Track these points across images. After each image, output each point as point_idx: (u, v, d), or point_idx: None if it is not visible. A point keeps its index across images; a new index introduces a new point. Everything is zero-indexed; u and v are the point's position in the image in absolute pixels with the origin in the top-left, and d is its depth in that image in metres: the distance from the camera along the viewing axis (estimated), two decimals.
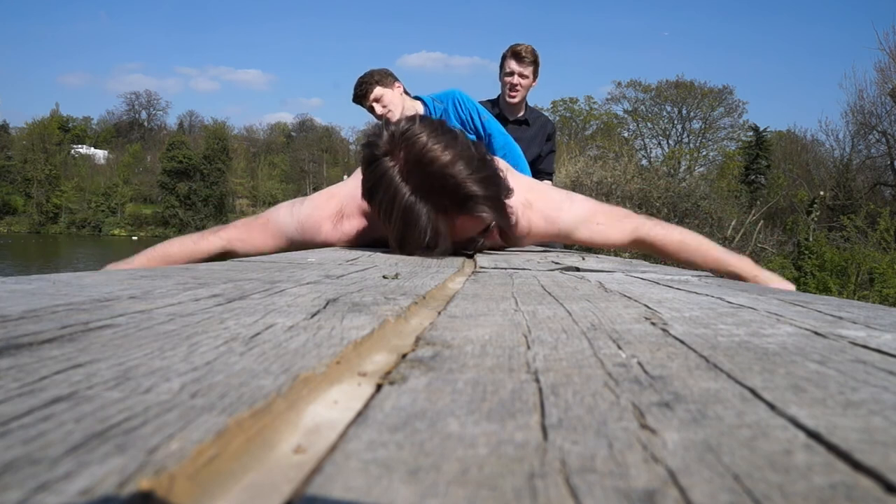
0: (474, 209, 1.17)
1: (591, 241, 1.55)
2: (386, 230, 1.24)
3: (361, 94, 2.85)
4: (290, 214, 1.49)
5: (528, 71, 2.90)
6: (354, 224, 1.44)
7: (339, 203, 1.46)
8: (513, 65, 2.90)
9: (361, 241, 1.49)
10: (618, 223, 1.48)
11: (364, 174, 1.25)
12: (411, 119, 1.22)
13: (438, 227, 1.18)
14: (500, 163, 1.48)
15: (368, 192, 1.24)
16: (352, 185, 1.50)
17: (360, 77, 2.89)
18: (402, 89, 2.90)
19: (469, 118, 2.41)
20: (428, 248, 1.20)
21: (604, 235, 1.49)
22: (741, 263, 1.34)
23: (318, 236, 1.46)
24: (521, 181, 1.49)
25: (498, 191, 1.21)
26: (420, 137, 1.16)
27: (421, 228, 1.17)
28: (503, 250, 1.67)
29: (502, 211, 1.24)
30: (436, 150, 1.15)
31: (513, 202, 1.34)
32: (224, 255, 1.50)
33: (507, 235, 1.44)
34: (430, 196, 1.16)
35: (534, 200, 1.44)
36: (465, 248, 1.32)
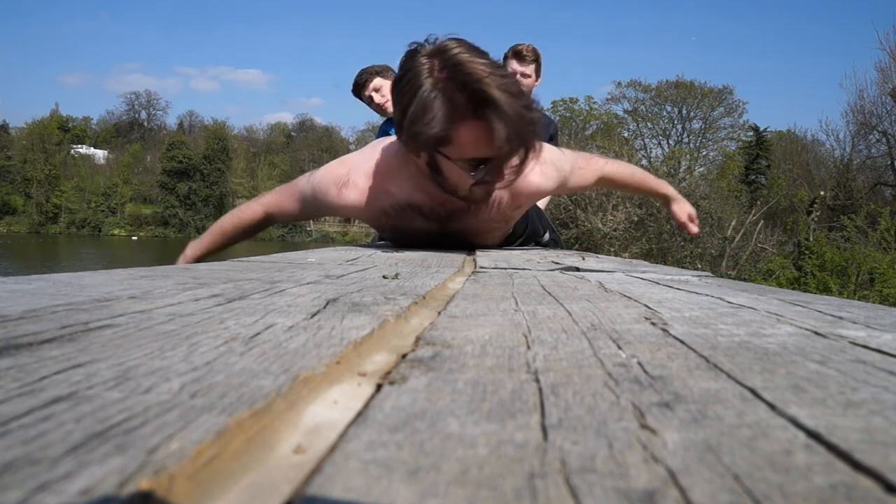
0: (489, 116, 1.13)
1: (576, 186, 1.68)
2: (399, 120, 1.23)
3: (361, 84, 2.85)
4: (307, 178, 1.53)
5: (530, 70, 2.90)
6: (357, 193, 1.45)
7: (347, 169, 1.47)
8: (514, 65, 2.90)
9: (366, 214, 1.49)
10: (590, 166, 1.67)
11: (396, 77, 1.26)
12: (453, 38, 1.21)
13: (451, 124, 1.16)
14: None
15: (396, 80, 1.24)
16: (363, 154, 1.52)
17: (361, 69, 2.89)
18: None
19: None
20: (438, 142, 1.18)
21: (584, 178, 1.65)
22: (666, 188, 1.93)
23: (326, 200, 1.48)
24: None
25: (525, 119, 1.17)
26: (456, 48, 1.17)
27: (436, 116, 1.15)
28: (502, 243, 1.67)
29: (518, 145, 1.19)
30: (475, 60, 1.15)
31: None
32: (267, 222, 1.59)
33: (515, 185, 1.40)
34: (451, 90, 1.15)
35: (545, 156, 1.45)
36: (474, 180, 1.27)
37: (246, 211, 1.60)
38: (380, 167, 1.43)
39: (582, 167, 1.62)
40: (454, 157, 1.23)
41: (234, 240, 1.61)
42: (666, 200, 1.95)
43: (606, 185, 1.81)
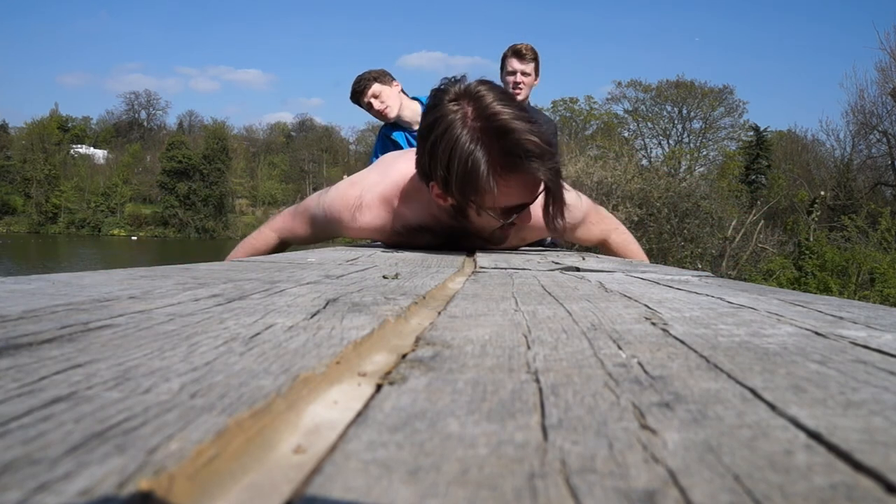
0: (530, 169, 1.15)
1: (579, 238, 1.66)
2: (437, 177, 1.22)
3: (359, 91, 2.85)
4: (317, 202, 1.53)
5: (529, 68, 2.90)
6: (373, 215, 1.45)
7: (359, 192, 1.47)
8: (514, 63, 2.90)
9: (378, 234, 1.49)
10: (599, 225, 1.63)
11: (425, 118, 1.25)
12: (481, 81, 1.22)
13: (490, 180, 1.16)
14: None
15: (425, 132, 1.23)
16: (375, 174, 1.51)
17: (359, 76, 2.89)
18: (399, 88, 2.90)
19: None
20: (483, 198, 1.19)
21: (590, 234, 1.63)
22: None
23: (340, 225, 1.48)
24: None
25: (557, 165, 1.20)
26: (488, 96, 1.17)
27: (482, 174, 1.16)
28: (518, 248, 1.67)
29: (558, 176, 1.21)
30: (507, 111, 1.16)
31: (541, 199, 1.36)
32: (283, 247, 1.60)
33: (546, 219, 1.41)
34: (491, 144, 1.15)
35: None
36: (506, 228, 1.29)
37: (259, 238, 1.60)
38: (393, 191, 1.43)
39: (593, 223, 1.60)
40: (488, 207, 1.24)
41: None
42: None
43: (604, 248, 1.73)
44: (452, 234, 1.44)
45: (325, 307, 0.46)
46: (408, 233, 1.46)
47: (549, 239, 2.07)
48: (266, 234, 1.60)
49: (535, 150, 1.15)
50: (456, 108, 1.18)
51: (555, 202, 1.24)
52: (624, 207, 8.81)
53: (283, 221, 1.60)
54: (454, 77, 1.25)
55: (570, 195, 1.50)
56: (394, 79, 2.90)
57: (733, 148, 28.86)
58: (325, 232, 1.54)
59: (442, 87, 1.23)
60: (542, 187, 1.22)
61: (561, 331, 0.38)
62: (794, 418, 0.21)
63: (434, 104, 1.22)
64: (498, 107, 1.16)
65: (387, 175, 1.47)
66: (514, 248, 1.78)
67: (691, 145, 29.74)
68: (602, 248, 1.72)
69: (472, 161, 1.16)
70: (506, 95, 1.21)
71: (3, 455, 0.17)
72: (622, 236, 1.70)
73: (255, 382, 0.25)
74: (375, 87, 2.81)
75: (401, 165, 1.47)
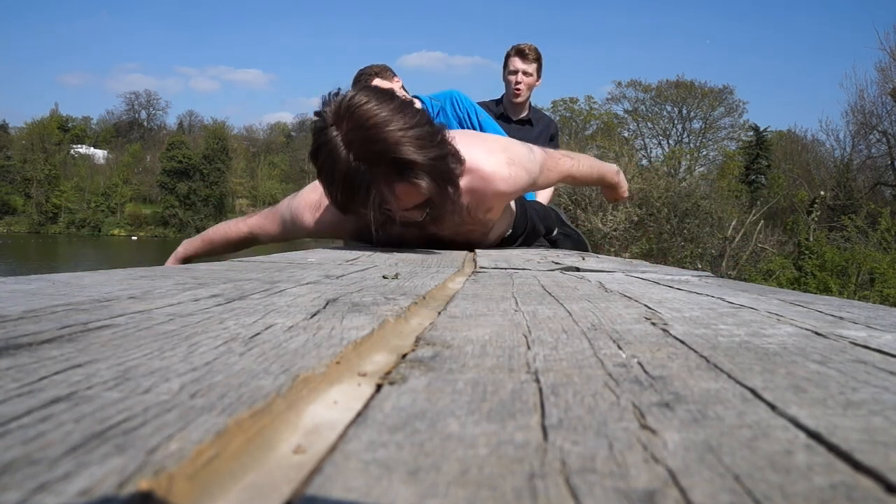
0: (411, 175, 1.19)
1: (542, 186, 1.71)
2: (329, 194, 1.29)
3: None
4: (287, 204, 1.63)
5: (531, 68, 2.90)
6: (329, 216, 1.52)
7: (319, 195, 1.53)
8: (517, 63, 2.89)
9: (336, 232, 1.59)
10: (557, 168, 1.67)
11: (312, 139, 1.29)
12: (362, 88, 1.25)
13: (383, 192, 1.21)
14: (467, 133, 1.59)
15: (313, 157, 1.28)
16: None
17: (360, 70, 2.88)
18: (400, 83, 2.89)
19: (466, 116, 2.43)
20: (380, 219, 1.24)
21: (549, 180, 1.67)
22: (612, 175, 1.93)
23: (303, 224, 1.58)
24: (492, 142, 1.59)
25: (442, 163, 1.22)
26: (365, 105, 1.20)
27: (362, 192, 1.21)
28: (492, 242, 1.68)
29: (444, 184, 1.25)
30: (377, 116, 1.19)
31: (495, 164, 1.42)
32: (250, 241, 1.72)
33: (478, 196, 1.45)
34: (370, 161, 1.19)
35: (514, 157, 1.50)
36: (421, 219, 1.32)
37: (233, 227, 1.73)
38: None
39: (550, 169, 1.64)
40: (395, 210, 1.29)
41: (218, 251, 1.74)
42: (610, 187, 2.03)
43: (570, 182, 1.86)
44: (417, 223, 1.45)
45: (325, 307, 0.46)
46: (369, 228, 1.49)
47: (556, 232, 2.05)
48: (239, 226, 1.72)
49: (414, 160, 1.18)
50: (335, 133, 1.22)
51: (441, 195, 1.26)
52: (624, 207, 8.81)
53: (256, 219, 1.72)
54: (330, 94, 1.29)
55: (521, 153, 1.52)
56: (395, 74, 2.89)
57: (733, 148, 28.87)
58: (291, 232, 1.64)
59: (320, 113, 1.27)
60: (431, 187, 1.23)
61: (561, 331, 0.38)
62: (794, 418, 0.21)
63: (315, 133, 1.27)
64: (372, 120, 1.19)
65: None
66: (521, 245, 1.78)
67: (691, 145, 29.74)
68: (570, 183, 1.86)
69: (355, 183, 1.21)
70: (380, 98, 1.23)
71: (3, 455, 0.17)
72: (584, 164, 1.79)
73: (254, 382, 0.24)
74: (376, 83, 2.81)
75: None
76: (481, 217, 1.52)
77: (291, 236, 1.68)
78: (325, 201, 1.50)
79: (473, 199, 1.46)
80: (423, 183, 1.21)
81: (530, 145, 1.65)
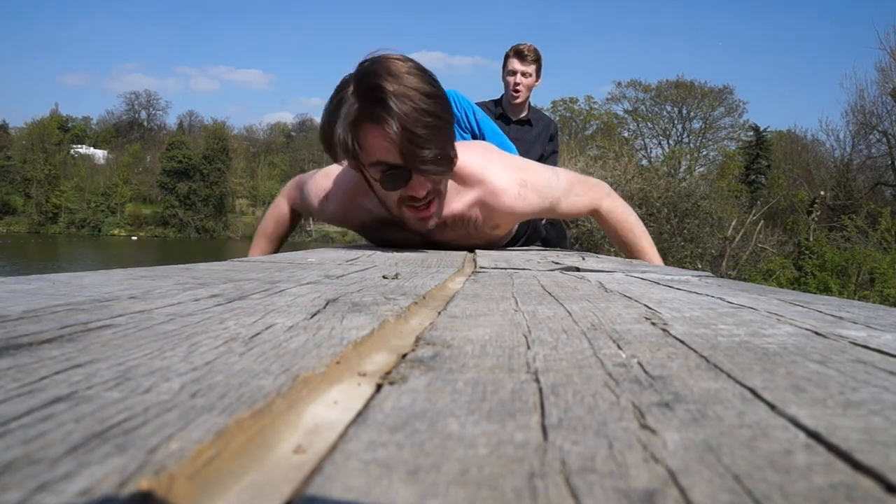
0: (383, 119, 1.15)
1: (567, 214, 1.60)
2: (323, 138, 1.29)
3: None
4: (308, 184, 1.62)
5: (530, 69, 2.90)
6: (336, 206, 1.53)
7: (329, 182, 1.55)
8: (515, 64, 2.89)
9: (346, 224, 1.58)
10: (588, 194, 1.57)
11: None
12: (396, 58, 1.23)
13: (353, 128, 1.19)
14: (491, 146, 1.56)
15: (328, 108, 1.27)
16: (345, 168, 1.53)
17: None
18: None
19: (464, 116, 2.43)
20: (345, 148, 1.22)
21: (577, 207, 1.57)
22: (653, 257, 1.60)
23: (312, 209, 1.60)
24: (511, 161, 1.54)
25: (420, 121, 1.17)
26: (385, 61, 1.19)
27: (338, 124, 1.20)
28: (504, 247, 1.67)
29: (413, 142, 1.19)
30: (392, 66, 1.17)
31: (507, 181, 1.40)
32: (297, 217, 1.73)
33: (493, 213, 1.43)
34: (357, 94, 1.18)
35: (528, 179, 1.46)
36: (396, 194, 1.29)
37: (275, 210, 1.74)
38: (356, 184, 1.45)
39: (579, 194, 1.54)
40: (366, 164, 1.26)
41: (278, 239, 1.75)
42: None
43: (598, 220, 1.63)
44: (422, 230, 1.44)
45: (325, 307, 0.46)
46: (376, 227, 1.50)
47: (543, 222, 2.02)
48: (280, 203, 1.73)
49: (391, 102, 1.15)
50: (349, 78, 1.22)
51: (413, 153, 1.21)
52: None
53: (289, 192, 1.72)
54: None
55: (541, 176, 1.49)
56: None
57: (733, 148, 28.86)
58: (308, 210, 1.65)
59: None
60: (399, 140, 1.18)
61: (561, 331, 0.38)
62: (794, 418, 0.21)
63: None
64: (380, 66, 1.17)
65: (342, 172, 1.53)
66: (522, 246, 1.76)
67: (691, 145, 29.73)
68: (597, 220, 1.63)
69: (334, 109, 1.22)
70: (408, 62, 1.21)
71: (3, 455, 0.17)
72: (615, 203, 1.60)
73: (255, 382, 0.25)
74: None
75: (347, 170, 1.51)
76: (487, 232, 1.50)
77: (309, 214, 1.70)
78: (332, 191, 1.52)
79: (482, 212, 1.45)
80: (391, 131, 1.16)
81: (560, 171, 1.60)
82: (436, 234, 1.46)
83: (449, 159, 1.27)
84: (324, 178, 1.56)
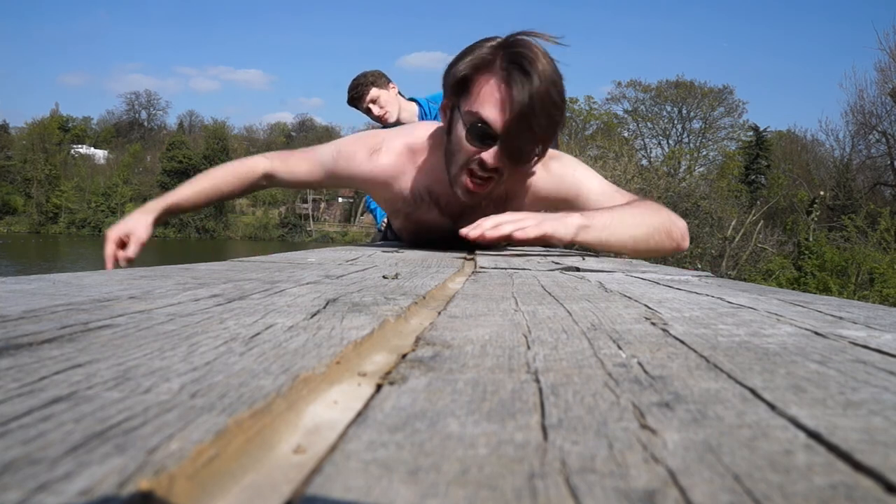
0: (515, 80, 1.19)
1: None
2: (446, 79, 1.31)
3: (357, 97, 2.84)
4: (331, 143, 1.52)
5: None
6: (388, 161, 1.44)
7: (381, 138, 1.48)
8: None
9: (385, 186, 1.47)
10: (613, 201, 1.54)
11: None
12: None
13: (475, 70, 1.24)
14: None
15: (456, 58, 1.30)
16: (397, 129, 1.54)
17: (354, 79, 2.87)
18: (396, 90, 2.89)
19: None
20: (460, 82, 1.25)
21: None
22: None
23: (351, 164, 1.45)
24: (571, 159, 1.54)
25: (547, 109, 1.21)
26: (534, 46, 1.22)
27: (465, 59, 1.25)
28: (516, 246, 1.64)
29: (527, 124, 1.22)
30: (540, 49, 1.22)
31: (559, 166, 1.41)
32: (261, 180, 1.49)
33: (518, 183, 1.41)
34: (495, 52, 1.23)
35: (569, 162, 1.47)
36: (474, 151, 1.28)
37: (245, 163, 1.50)
38: (413, 144, 1.44)
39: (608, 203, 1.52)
40: (465, 110, 1.27)
41: (221, 192, 1.48)
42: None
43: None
44: (456, 213, 1.43)
45: (325, 307, 0.46)
46: (415, 200, 1.46)
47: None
48: (256, 158, 1.50)
49: (531, 74, 1.18)
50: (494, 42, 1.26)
51: (518, 130, 1.24)
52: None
53: (281, 156, 1.52)
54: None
55: (599, 184, 1.44)
56: (390, 80, 2.89)
57: (733, 148, 28.85)
58: (329, 174, 1.46)
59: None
60: (518, 112, 1.21)
61: (561, 331, 0.38)
62: (794, 418, 0.21)
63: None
64: (531, 42, 1.22)
65: (411, 130, 1.51)
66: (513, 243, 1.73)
67: (691, 145, 29.72)
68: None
69: (467, 51, 1.26)
70: (556, 69, 1.24)
71: (3, 455, 0.17)
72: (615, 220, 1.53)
73: (255, 382, 0.25)
74: (373, 92, 2.81)
75: (425, 127, 1.50)
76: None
77: (323, 182, 1.50)
78: (387, 146, 1.45)
79: (526, 204, 1.45)
80: (518, 98, 1.19)
81: (597, 175, 1.56)
82: (465, 221, 1.45)
83: (532, 158, 1.30)
84: (373, 136, 1.49)
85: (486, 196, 1.35)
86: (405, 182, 1.45)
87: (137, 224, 1.38)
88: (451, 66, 1.30)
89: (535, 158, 1.31)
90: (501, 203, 1.46)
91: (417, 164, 1.44)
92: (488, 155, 1.27)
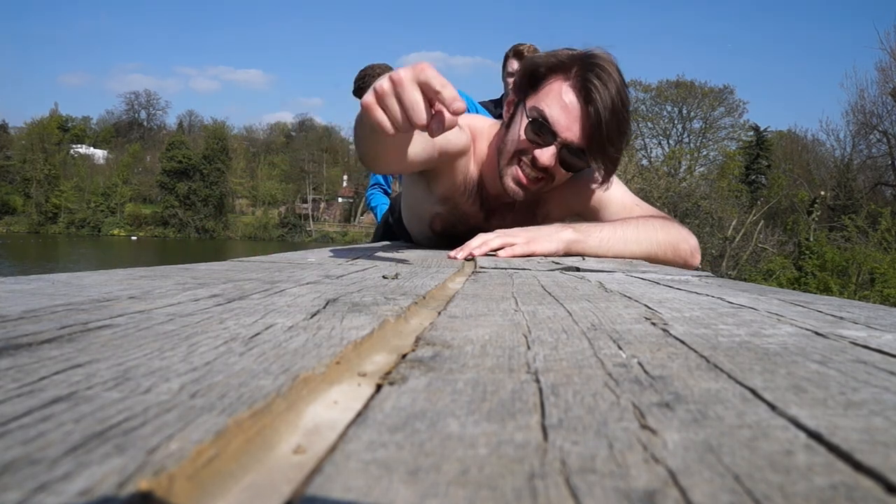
0: (590, 93, 1.22)
1: None
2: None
3: (364, 88, 2.85)
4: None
5: None
6: (468, 138, 1.43)
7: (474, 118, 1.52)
8: (515, 64, 2.89)
9: (466, 159, 1.44)
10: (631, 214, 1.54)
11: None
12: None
13: (549, 72, 1.29)
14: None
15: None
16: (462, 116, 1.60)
17: (362, 70, 2.87)
18: None
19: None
20: (531, 75, 1.30)
21: None
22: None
23: (474, 129, 1.45)
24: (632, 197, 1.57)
25: (615, 134, 1.25)
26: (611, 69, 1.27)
27: (544, 58, 1.30)
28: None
29: (591, 139, 1.26)
30: (615, 77, 1.25)
31: (621, 192, 1.44)
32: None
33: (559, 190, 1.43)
34: (573, 65, 1.27)
35: (633, 200, 1.50)
36: (525, 141, 1.30)
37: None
38: (475, 129, 1.46)
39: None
40: (530, 105, 1.29)
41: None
42: None
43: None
44: (492, 206, 1.45)
45: (325, 307, 0.46)
46: (466, 189, 1.47)
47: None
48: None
49: (603, 104, 1.22)
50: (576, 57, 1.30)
51: (571, 164, 1.29)
52: None
53: None
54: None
55: (621, 196, 1.47)
56: None
57: (733, 148, 28.82)
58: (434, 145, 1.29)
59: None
60: (591, 127, 1.24)
61: (561, 331, 0.38)
62: (795, 418, 0.21)
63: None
64: (610, 63, 1.26)
65: (470, 118, 1.52)
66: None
67: (691, 145, 29.69)
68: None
69: (547, 55, 1.30)
70: (623, 83, 1.28)
71: (3, 455, 0.17)
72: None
73: (254, 382, 0.24)
74: None
75: (481, 118, 1.55)
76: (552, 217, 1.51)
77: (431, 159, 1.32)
78: (478, 132, 1.44)
79: (559, 212, 1.48)
80: (595, 107, 1.23)
81: (621, 183, 1.58)
82: (496, 218, 1.46)
83: (583, 167, 1.33)
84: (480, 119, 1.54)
85: (536, 193, 1.37)
86: (467, 165, 1.46)
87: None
88: (528, 63, 1.32)
89: (595, 177, 1.35)
90: (533, 206, 1.47)
91: (476, 150, 1.45)
92: (542, 153, 1.29)
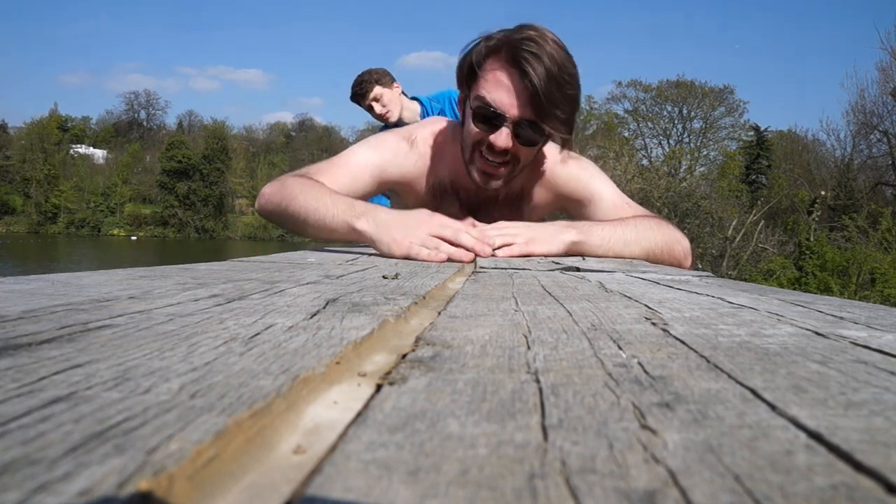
0: (523, 66, 1.22)
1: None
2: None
3: (361, 94, 2.85)
4: (361, 146, 1.46)
5: None
6: (426, 150, 1.45)
7: (410, 131, 1.51)
8: None
9: (417, 181, 1.46)
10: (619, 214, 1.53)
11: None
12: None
13: (484, 58, 1.28)
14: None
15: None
16: (421, 122, 1.59)
17: (359, 76, 2.88)
18: (400, 89, 2.90)
19: None
20: (469, 68, 1.29)
21: None
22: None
23: (398, 158, 1.42)
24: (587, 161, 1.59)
25: (553, 97, 1.24)
26: (543, 34, 1.26)
27: (477, 47, 1.29)
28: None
29: (535, 109, 1.24)
30: (548, 42, 1.24)
31: (610, 191, 1.44)
32: None
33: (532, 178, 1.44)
34: (503, 39, 1.27)
35: (588, 167, 1.51)
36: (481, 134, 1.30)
37: (308, 179, 1.28)
38: (437, 136, 1.47)
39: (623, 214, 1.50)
40: (473, 94, 1.30)
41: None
42: None
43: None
44: (476, 205, 1.45)
45: (324, 307, 0.46)
46: (439, 194, 1.48)
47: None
48: (305, 179, 1.27)
49: (534, 63, 1.21)
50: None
51: (541, 121, 1.27)
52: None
53: (325, 180, 1.28)
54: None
55: (611, 195, 1.46)
56: (394, 80, 2.89)
57: (734, 148, 28.82)
58: (375, 178, 1.37)
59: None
60: (533, 96, 1.23)
61: (561, 331, 0.38)
62: (795, 418, 0.21)
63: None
64: (537, 34, 1.25)
65: (433, 123, 1.54)
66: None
67: (691, 145, 29.68)
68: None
69: (479, 40, 1.30)
70: (561, 48, 1.27)
71: (2, 455, 0.17)
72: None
73: (254, 383, 0.24)
74: (377, 91, 2.81)
75: (444, 121, 1.55)
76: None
77: (376, 181, 1.40)
78: (418, 138, 1.46)
79: (548, 198, 1.48)
80: (532, 82, 1.21)
81: (610, 182, 1.57)
82: (482, 215, 1.45)
83: (543, 139, 1.33)
84: (401, 131, 1.51)
85: (504, 179, 1.37)
86: (434, 174, 1.47)
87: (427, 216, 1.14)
88: (462, 58, 1.33)
89: (560, 141, 1.35)
90: (517, 200, 1.48)
91: (442, 155, 1.46)
92: (497, 136, 1.29)
